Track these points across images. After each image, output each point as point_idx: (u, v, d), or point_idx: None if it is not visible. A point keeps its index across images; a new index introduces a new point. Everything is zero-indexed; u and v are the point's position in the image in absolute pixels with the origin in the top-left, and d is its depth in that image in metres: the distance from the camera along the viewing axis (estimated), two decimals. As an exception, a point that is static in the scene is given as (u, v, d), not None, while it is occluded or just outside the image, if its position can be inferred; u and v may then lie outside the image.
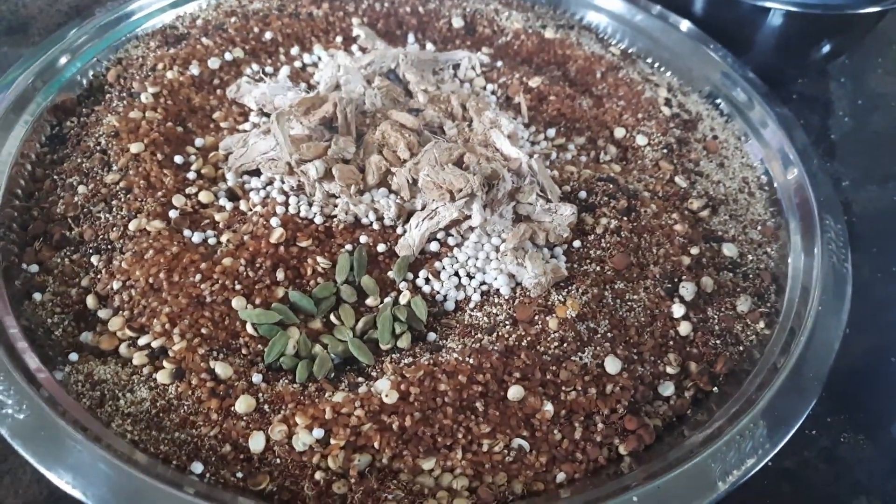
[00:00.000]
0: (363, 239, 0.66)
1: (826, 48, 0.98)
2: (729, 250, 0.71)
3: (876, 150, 0.98)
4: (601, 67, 0.87)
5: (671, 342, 0.65)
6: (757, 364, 0.64)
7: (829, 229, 0.72)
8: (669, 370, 0.63)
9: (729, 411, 0.60)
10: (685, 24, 0.94)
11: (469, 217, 0.66)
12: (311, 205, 0.68)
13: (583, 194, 0.72)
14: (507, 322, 0.63)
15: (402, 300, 0.64)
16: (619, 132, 0.79)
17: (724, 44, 0.93)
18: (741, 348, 0.66)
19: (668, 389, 0.63)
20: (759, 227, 0.75)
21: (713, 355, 0.65)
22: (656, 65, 0.92)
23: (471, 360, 0.60)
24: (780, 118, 0.83)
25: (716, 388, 0.64)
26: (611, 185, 0.72)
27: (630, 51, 0.94)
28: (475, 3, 0.95)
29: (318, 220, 0.67)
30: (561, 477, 0.58)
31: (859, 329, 0.68)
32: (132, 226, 0.66)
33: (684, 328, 0.65)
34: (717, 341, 0.66)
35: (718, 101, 0.87)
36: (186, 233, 0.67)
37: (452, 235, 0.67)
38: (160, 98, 0.77)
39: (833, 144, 0.98)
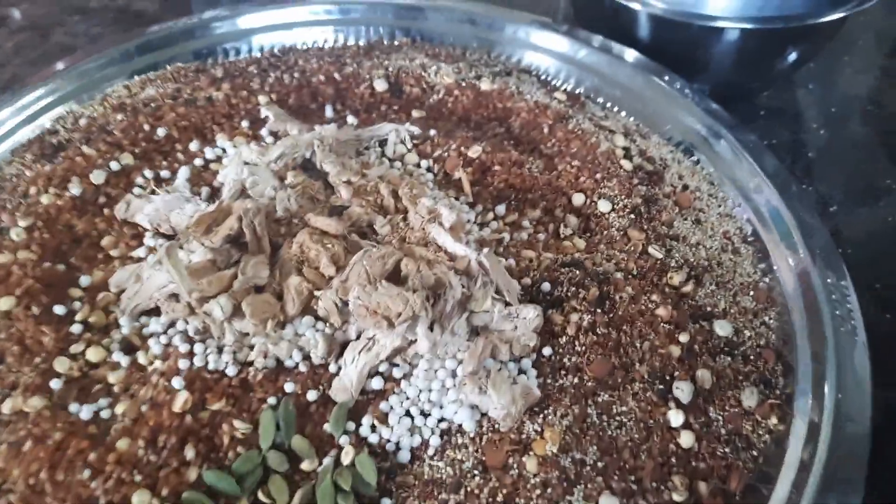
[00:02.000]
0: (289, 387, 0.55)
1: (790, 59, 0.89)
2: (722, 329, 0.61)
3: (857, 163, 0.89)
4: (548, 119, 0.76)
5: (673, 459, 0.54)
6: (779, 471, 0.53)
7: (829, 279, 0.62)
8: (676, 497, 0.52)
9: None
10: (630, 54, 0.84)
11: (415, 341, 0.55)
12: (220, 351, 0.56)
13: (546, 286, 0.61)
14: (475, 471, 0.52)
15: (345, 459, 0.52)
16: (578, 199, 0.69)
17: (675, 68, 0.83)
18: (755, 453, 0.55)
19: (678, 523, 0.52)
20: (751, 293, 0.64)
21: (724, 468, 0.54)
22: (608, 104, 0.82)
23: (437, 532, 0.48)
24: (751, 151, 0.73)
25: (733, 511, 0.53)
26: (577, 271, 0.61)
27: (577, 91, 0.84)
28: (398, 59, 0.84)
29: (231, 370, 0.55)
30: None
31: (884, 387, 0.57)
32: (6, 407, 0.54)
33: (686, 439, 0.54)
34: (726, 449, 0.55)
35: (681, 142, 0.77)
36: (73, 407, 0.54)
37: (398, 365, 0.56)
38: (34, 231, 0.64)
39: (810, 162, 0.88)
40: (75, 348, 0.57)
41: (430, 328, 0.55)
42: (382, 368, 0.56)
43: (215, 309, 0.55)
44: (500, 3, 0.93)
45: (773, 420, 0.56)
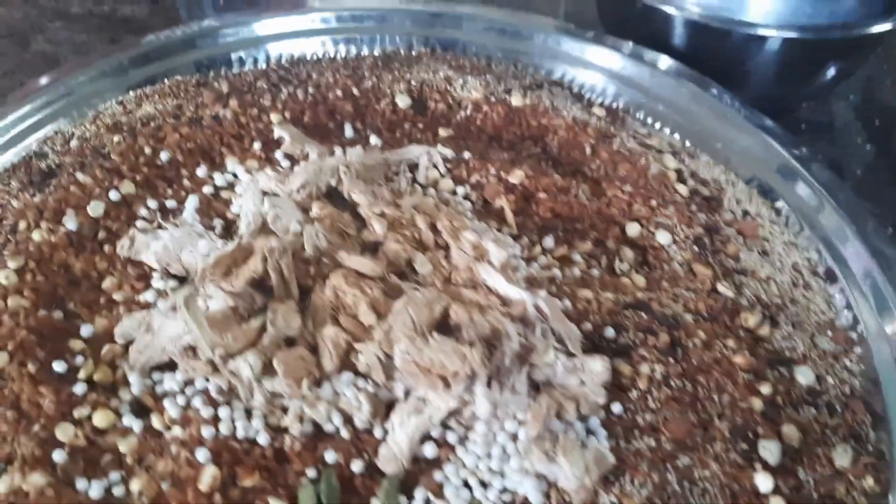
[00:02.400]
0: (330, 457, 0.48)
1: (836, 69, 0.84)
2: (804, 376, 0.55)
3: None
4: (589, 138, 0.70)
5: (764, 529, 0.48)
6: (883, 542, 0.48)
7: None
8: (771, 574, 0.46)
9: None
10: (671, 64, 0.78)
11: (471, 402, 0.48)
12: (249, 415, 0.49)
13: (609, 332, 0.54)
14: (548, 551, 0.45)
15: (399, 540, 0.46)
16: (633, 229, 0.62)
17: (712, 77, 0.77)
18: (852, 519, 0.49)
19: None
20: (828, 333, 0.58)
21: (821, 539, 0.48)
22: (650, 120, 0.76)
23: None
24: (807, 165, 0.67)
25: (835, 587, 0.47)
26: (643, 314, 0.55)
27: (616, 106, 0.77)
28: (419, 72, 0.77)
29: (263, 439, 0.48)
30: None
31: None
32: (2, 486, 0.47)
33: (777, 505, 0.48)
34: (821, 515, 0.49)
35: (731, 160, 0.71)
36: (80, 484, 0.47)
37: (452, 428, 0.49)
38: (26, 274, 0.57)
39: (860, 182, 0.83)
40: (79, 412, 0.50)
41: (488, 386, 0.48)
42: (435, 433, 0.49)
43: (244, 368, 0.48)
44: (502, 3, 0.86)
45: (869, 481, 0.50)
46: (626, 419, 0.51)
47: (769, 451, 0.50)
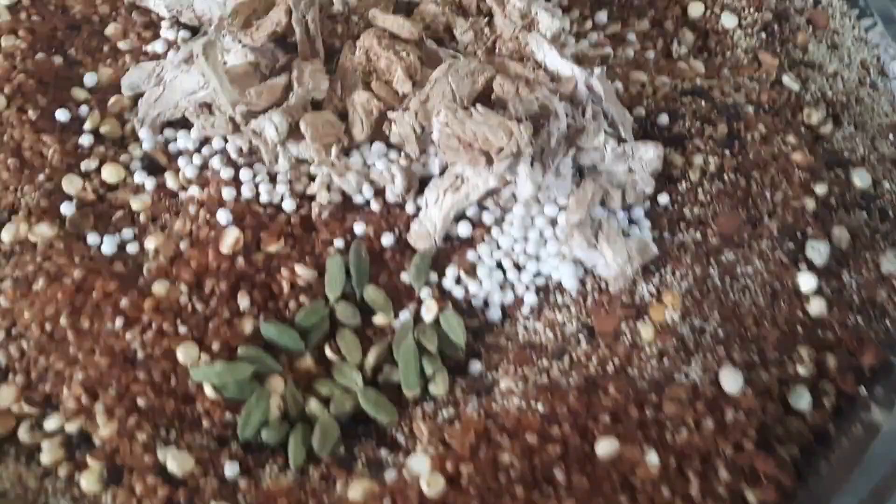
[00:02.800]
0: (359, 229, 0.45)
1: None
2: (861, 179, 0.51)
3: None
4: None
5: (800, 328, 0.47)
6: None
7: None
8: (802, 371, 0.46)
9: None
10: None
11: (511, 182, 0.45)
12: (273, 180, 0.46)
13: (663, 119, 0.50)
14: (580, 335, 0.44)
15: (427, 315, 0.44)
16: (696, 9, 0.56)
17: None
18: (890, 325, 0.48)
19: (801, 400, 0.45)
20: (890, 137, 0.54)
21: (856, 341, 0.47)
22: None
23: (540, 406, 0.41)
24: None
25: (863, 388, 0.46)
26: (702, 101, 0.50)
27: None
28: None
29: (289, 205, 0.45)
30: (680, 555, 0.41)
31: None
32: (7, 235, 0.44)
33: (816, 306, 0.47)
34: (859, 319, 0.48)
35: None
36: (91, 239, 0.44)
37: (488, 209, 0.46)
38: (20, 12, 0.51)
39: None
40: (87, 165, 0.47)
41: (532, 167, 0.44)
42: (471, 212, 0.46)
43: (268, 127, 0.44)
44: None
45: (914, 289, 0.48)
46: (672, 211, 0.48)
47: (817, 251, 0.48)
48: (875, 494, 0.42)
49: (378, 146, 0.46)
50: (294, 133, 0.45)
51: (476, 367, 0.44)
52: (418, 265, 0.44)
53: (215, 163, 0.46)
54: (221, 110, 0.45)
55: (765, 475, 0.43)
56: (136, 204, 0.46)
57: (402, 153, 0.46)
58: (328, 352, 0.43)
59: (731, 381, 0.43)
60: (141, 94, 0.49)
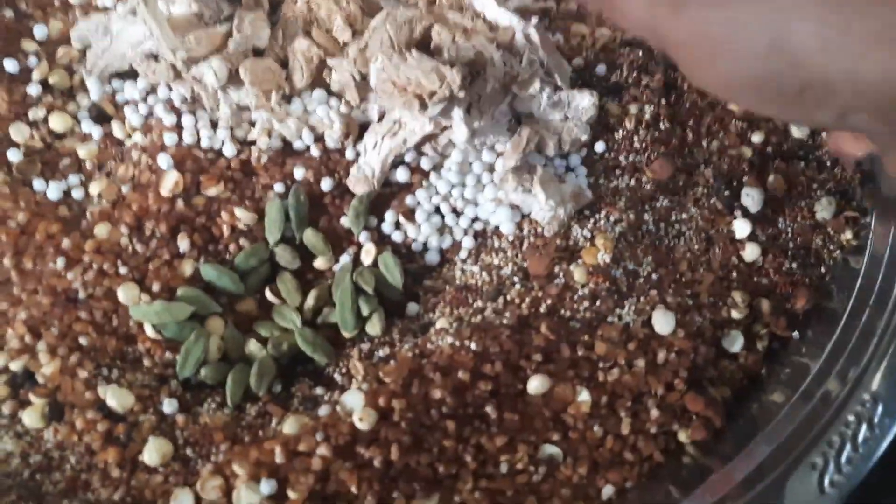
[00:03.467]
0: (299, 173, 0.46)
1: None
2: (798, 129, 0.52)
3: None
4: None
5: (734, 273, 0.48)
6: (852, 293, 0.48)
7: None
8: (735, 315, 0.47)
9: (825, 370, 0.45)
10: None
11: (448, 128, 0.46)
12: (215, 126, 0.47)
13: (601, 69, 0.51)
14: (514, 278, 0.45)
15: (366, 258, 0.45)
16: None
17: None
18: (823, 270, 0.49)
19: (735, 343, 0.47)
20: (831, 89, 0.55)
21: (790, 286, 0.48)
22: None
23: (472, 345, 0.42)
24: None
25: (796, 332, 0.48)
26: (639, 52, 0.51)
27: None
28: None
29: (229, 150, 0.46)
30: (608, 491, 0.43)
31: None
32: (-48, 180, 0.45)
33: (751, 252, 0.48)
34: (793, 265, 0.49)
35: None
36: (37, 185, 0.45)
37: (426, 154, 0.47)
38: (-30, -34, 0.51)
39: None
40: (35, 114, 0.47)
41: (468, 112, 0.45)
42: (409, 158, 0.47)
43: (207, 73, 0.45)
44: None
45: (847, 234, 0.49)
46: (608, 158, 0.49)
47: (751, 198, 0.49)
48: (801, 432, 0.43)
49: (318, 93, 0.47)
50: (234, 80, 0.46)
51: (413, 308, 0.45)
52: (357, 208, 0.45)
53: (159, 110, 0.47)
54: (164, 58, 0.46)
55: (696, 415, 0.44)
56: (82, 152, 0.46)
57: (343, 100, 0.47)
58: (268, 294, 0.44)
59: (663, 322, 0.45)
60: (89, 46, 0.49)
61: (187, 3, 0.48)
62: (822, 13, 0.26)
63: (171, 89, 0.47)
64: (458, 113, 0.45)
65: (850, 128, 0.31)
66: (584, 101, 0.47)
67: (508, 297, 0.44)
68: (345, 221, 0.46)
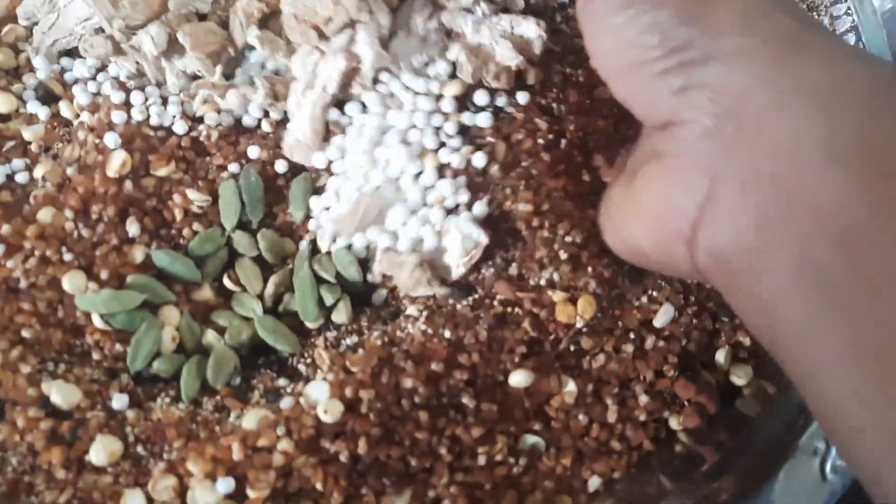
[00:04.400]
0: (253, 153, 0.42)
1: None
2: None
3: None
4: None
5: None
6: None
7: None
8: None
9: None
10: None
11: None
12: (165, 103, 0.43)
13: None
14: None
15: (323, 244, 0.42)
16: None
17: None
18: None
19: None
20: None
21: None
22: None
23: (446, 333, 0.39)
24: None
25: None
26: None
27: None
28: None
29: (180, 127, 0.42)
30: (595, 482, 0.40)
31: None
32: None
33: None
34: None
35: None
36: (-21, 170, 0.42)
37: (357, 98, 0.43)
38: None
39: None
40: (-23, 95, 0.44)
41: (390, 37, 0.42)
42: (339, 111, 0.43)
43: (145, 41, 0.42)
44: None
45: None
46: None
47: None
48: (802, 411, 0.40)
49: (257, 55, 0.44)
50: (177, 47, 0.42)
51: (382, 294, 0.42)
52: (295, 194, 0.42)
53: (107, 87, 0.44)
54: (106, 32, 0.43)
55: (688, 401, 0.42)
56: (28, 134, 0.44)
57: (275, 58, 0.43)
58: (227, 281, 0.41)
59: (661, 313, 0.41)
60: (37, 23, 0.46)
61: (133, -29, 0.45)
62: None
63: (119, 67, 0.44)
64: (363, 34, 0.40)
65: None
66: (531, 31, 0.43)
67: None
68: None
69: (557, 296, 0.39)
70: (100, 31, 0.45)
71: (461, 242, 0.39)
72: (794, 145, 0.28)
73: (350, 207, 0.40)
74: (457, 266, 0.40)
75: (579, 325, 0.39)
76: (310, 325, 0.40)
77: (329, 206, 0.42)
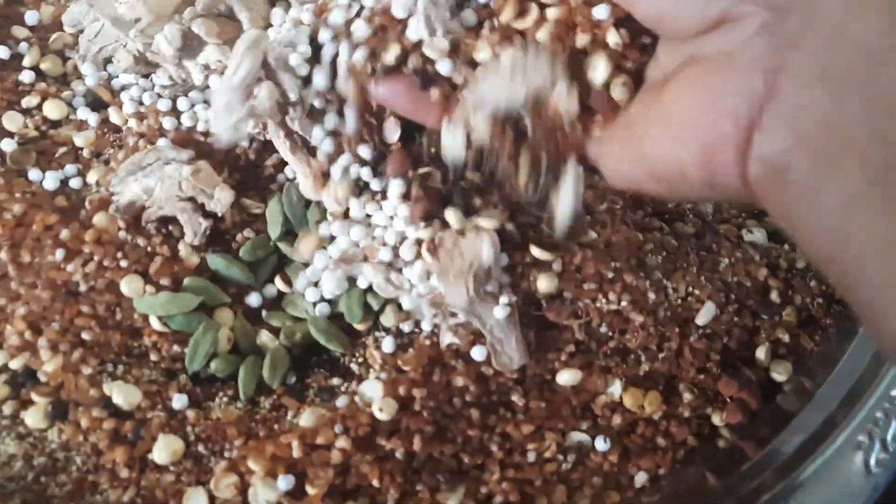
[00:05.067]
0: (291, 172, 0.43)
1: None
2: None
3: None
4: None
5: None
6: None
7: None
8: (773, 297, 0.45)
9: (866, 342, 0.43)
10: None
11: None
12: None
13: None
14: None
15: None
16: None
17: None
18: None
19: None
20: None
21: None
22: None
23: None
24: None
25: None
26: None
27: None
28: None
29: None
30: (641, 478, 0.41)
31: None
32: (-55, 170, 0.43)
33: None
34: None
35: None
36: (33, 175, 0.43)
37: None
38: (-43, -50, 0.49)
39: None
40: (28, 101, 0.45)
41: None
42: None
43: (161, 42, 0.42)
44: None
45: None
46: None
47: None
48: (844, 404, 0.41)
49: None
50: (194, 44, 0.42)
51: (429, 296, 0.43)
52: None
53: (153, 95, 0.44)
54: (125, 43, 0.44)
55: (730, 398, 0.42)
56: (79, 140, 0.44)
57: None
58: (279, 283, 0.42)
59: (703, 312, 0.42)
60: (83, 31, 0.47)
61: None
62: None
63: (169, 75, 0.45)
64: None
65: None
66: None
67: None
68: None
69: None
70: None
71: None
72: (871, 41, 0.25)
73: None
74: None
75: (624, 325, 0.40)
76: (357, 326, 0.41)
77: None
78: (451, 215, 0.39)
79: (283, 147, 0.40)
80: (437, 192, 0.39)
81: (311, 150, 0.40)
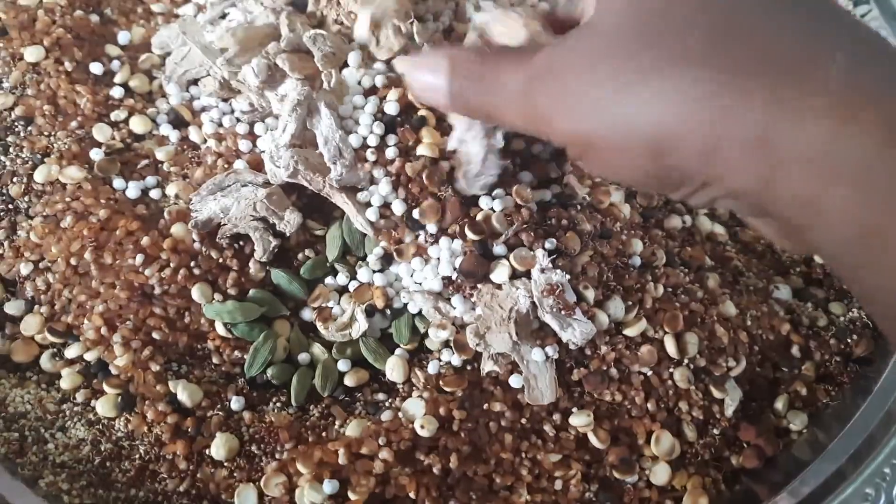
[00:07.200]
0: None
1: None
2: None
3: None
4: None
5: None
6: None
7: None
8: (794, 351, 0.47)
9: (883, 396, 0.45)
10: None
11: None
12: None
13: None
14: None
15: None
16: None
17: None
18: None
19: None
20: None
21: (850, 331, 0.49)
22: None
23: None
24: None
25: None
26: None
27: None
28: None
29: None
30: (659, 511, 0.43)
31: None
32: (39, 175, 0.47)
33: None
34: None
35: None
36: (117, 183, 0.47)
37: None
38: (61, -29, 0.54)
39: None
40: (116, 115, 0.49)
41: None
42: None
43: (248, 74, 0.45)
44: None
45: None
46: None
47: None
48: (855, 458, 0.43)
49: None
50: (277, 76, 0.45)
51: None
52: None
53: (233, 117, 0.48)
54: (212, 71, 0.48)
55: (747, 443, 0.45)
56: (160, 154, 0.48)
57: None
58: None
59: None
60: (169, 53, 0.51)
61: (265, 14, 0.50)
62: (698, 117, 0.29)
63: (249, 99, 0.49)
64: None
65: (718, 206, 0.34)
66: None
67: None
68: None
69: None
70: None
71: None
72: None
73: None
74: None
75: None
76: (405, 347, 0.44)
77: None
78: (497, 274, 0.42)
79: (335, 196, 0.44)
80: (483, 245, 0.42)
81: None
